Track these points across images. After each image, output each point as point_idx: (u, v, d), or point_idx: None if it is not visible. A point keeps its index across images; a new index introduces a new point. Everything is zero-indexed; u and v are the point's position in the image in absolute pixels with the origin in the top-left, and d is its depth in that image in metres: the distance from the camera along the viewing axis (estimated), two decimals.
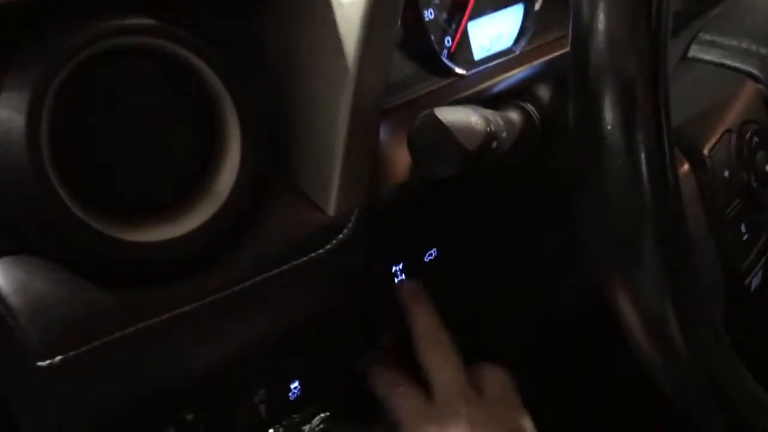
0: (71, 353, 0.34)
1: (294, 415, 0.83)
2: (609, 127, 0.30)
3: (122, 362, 0.36)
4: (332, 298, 0.44)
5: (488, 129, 0.39)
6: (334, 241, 0.42)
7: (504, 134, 0.41)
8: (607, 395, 0.67)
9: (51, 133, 0.34)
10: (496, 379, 0.46)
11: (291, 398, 0.45)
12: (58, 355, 0.34)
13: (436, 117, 0.39)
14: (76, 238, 0.35)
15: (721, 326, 0.32)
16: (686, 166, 0.43)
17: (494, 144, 0.40)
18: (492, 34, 0.55)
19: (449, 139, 0.38)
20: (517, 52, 0.56)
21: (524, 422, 0.44)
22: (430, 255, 0.52)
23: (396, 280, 0.50)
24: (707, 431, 0.34)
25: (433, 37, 0.50)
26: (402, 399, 0.45)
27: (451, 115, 0.39)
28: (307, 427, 0.80)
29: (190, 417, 0.40)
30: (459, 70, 0.54)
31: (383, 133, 0.46)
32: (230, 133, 0.38)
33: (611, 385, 0.66)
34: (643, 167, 0.29)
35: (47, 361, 0.34)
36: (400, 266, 0.50)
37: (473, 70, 0.54)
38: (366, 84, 0.39)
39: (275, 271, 0.40)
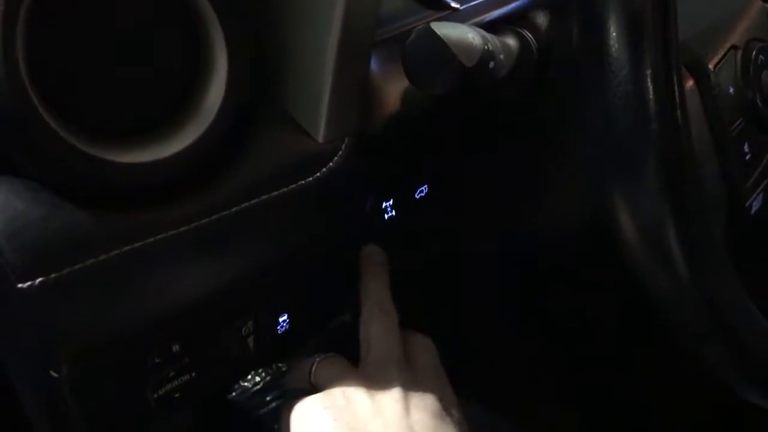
0: (52, 275, 0.33)
1: (279, 365, 0.83)
2: (614, 40, 0.29)
3: (105, 287, 0.35)
4: (320, 229, 0.43)
5: (486, 47, 0.38)
6: (324, 170, 0.41)
7: (501, 56, 0.40)
8: (593, 340, 0.67)
9: (28, 50, 0.32)
10: (425, 349, 0.46)
11: (279, 332, 0.45)
12: (39, 276, 0.33)
13: (433, 31, 0.37)
14: (56, 158, 0.33)
15: (722, 246, 0.31)
16: (691, 82, 0.42)
17: (491, 64, 0.38)
18: None
19: (447, 53, 0.37)
20: None
21: (449, 390, 0.44)
22: (421, 192, 0.51)
23: (386, 216, 0.49)
24: (702, 351, 0.34)
25: None
26: (331, 363, 0.44)
27: (448, 29, 0.37)
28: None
29: (175, 347, 0.39)
30: (453, 3, 0.52)
31: (375, 65, 0.45)
32: (217, 51, 0.37)
33: (599, 331, 0.66)
34: (648, 81, 0.28)
35: (27, 283, 0.32)
36: (391, 202, 0.49)
37: (468, 4, 0.52)
38: (356, 7, 0.38)
39: (263, 198, 0.39)
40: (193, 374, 0.40)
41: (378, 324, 0.45)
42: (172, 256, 0.36)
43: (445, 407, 0.42)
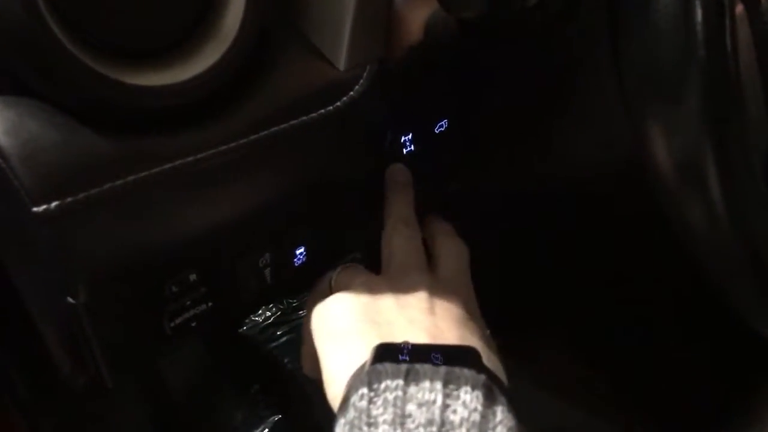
0: (68, 200, 0.32)
1: (289, 300, 0.84)
2: None
3: (121, 213, 0.34)
4: (339, 160, 0.42)
5: None
6: (345, 98, 0.39)
7: None
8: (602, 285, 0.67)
9: None
10: (454, 253, 0.45)
11: (296, 264, 0.44)
12: (55, 200, 0.32)
13: None
14: (70, 78, 0.32)
15: (762, 178, 0.30)
16: (740, 7, 0.40)
17: None
18: None
19: None
20: None
21: (473, 297, 0.43)
22: (441, 126, 0.50)
23: (405, 150, 0.48)
24: (731, 288, 0.33)
25: None
26: (352, 270, 0.43)
27: None
28: (303, 312, 0.80)
29: (192, 276, 0.39)
30: None
31: None
32: None
33: (627, 275, 0.65)
34: (698, 3, 0.27)
35: (43, 207, 0.32)
36: (410, 136, 0.48)
37: None
38: None
39: (282, 126, 0.38)
40: (210, 304, 0.40)
41: (400, 236, 0.44)
42: (188, 183, 0.35)
43: (469, 312, 0.41)
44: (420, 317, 0.38)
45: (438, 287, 0.41)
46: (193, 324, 0.40)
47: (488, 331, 0.42)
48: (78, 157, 0.33)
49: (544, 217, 0.57)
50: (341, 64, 0.39)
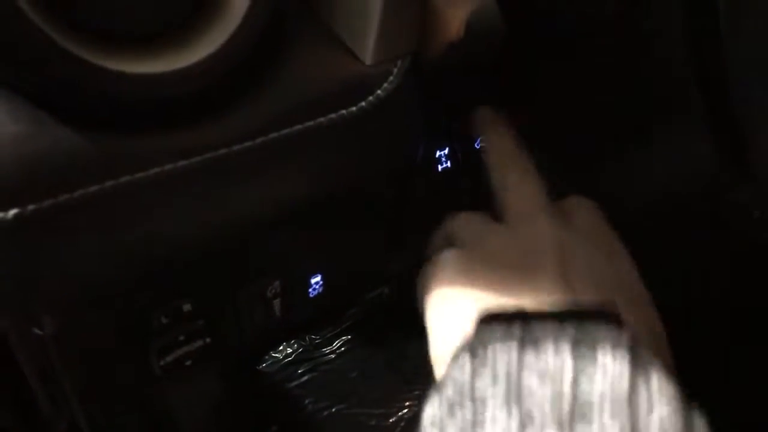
0: (30, 207, 0.26)
1: (312, 336, 0.77)
2: None
3: (96, 224, 0.28)
4: (363, 171, 0.35)
5: None
6: (371, 98, 0.33)
7: None
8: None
9: None
10: (584, 208, 0.36)
11: (311, 295, 0.38)
12: (12, 208, 0.26)
13: None
14: (41, 63, 0.27)
15: None
16: None
17: None
18: None
19: None
20: None
21: (621, 248, 0.35)
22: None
23: (439, 167, 0.42)
24: None
25: None
26: (468, 217, 0.36)
27: None
28: (327, 350, 0.74)
29: (186, 306, 0.33)
30: None
31: None
32: None
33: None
34: None
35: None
36: (446, 151, 0.42)
37: None
38: None
39: (296, 128, 0.32)
40: (207, 340, 0.34)
41: (513, 170, 0.36)
42: (180, 192, 0.29)
43: (620, 279, 0.33)
44: (548, 277, 0.31)
45: (573, 239, 0.33)
46: (188, 363, 0.34)
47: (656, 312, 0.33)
48: (44, 156, 0.27)
49: None
50: (368, 57, 0.33)
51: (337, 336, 0.71)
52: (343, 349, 0.71)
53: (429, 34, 0.37)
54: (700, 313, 0.46)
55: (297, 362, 0.75)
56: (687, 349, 0.32)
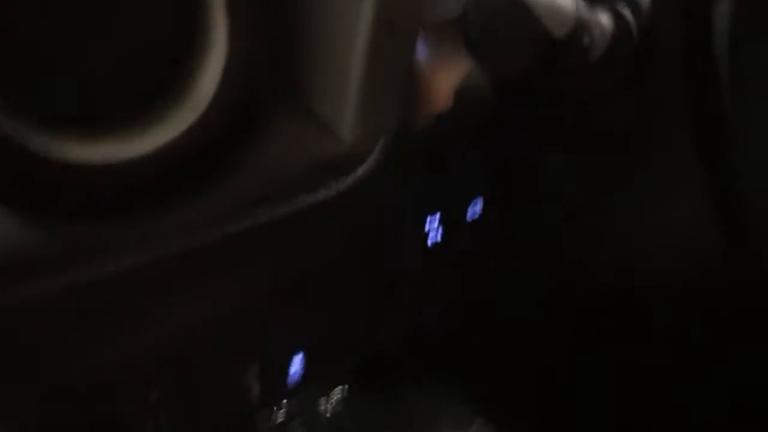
0: None
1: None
2: None
3: (50, 318, 0.26)
4: (344, 252, 0.34)
5: (578, 15, 0.28)
6: (349, 178, 0.32)
7: (597, 32, 0.30)
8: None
9: None
10: None
11: (291, 379, 0.36)
12: None
13: None
14: None
15: None
16: None
17: (586, 39, 0.28)
18: None
19: (527, 15, 0.27)
20: None
21: None
22: (475, 209, 0.42)
23: (429, 242, 0.40)
24: None
25: None
26: None
27: None
28: (323, 400, 0.71)
29: (154, 395, 0.31)
30: None
31: (426, 49, 0.36)
32: (214, 19, 0.28)
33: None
34: None
35: None
36: (437, 222, 0.40)
37: None
38: None
39: (270, 213, 0.30)
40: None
41: None
42: (144, 282, 0.28)
43: None
44: None
45: None
46: None
47: None
48: None
49: (599, 313, 0.48)
50: (346, 135, 0.32)
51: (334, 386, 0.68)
52: (342, 399, 0.68)
53: (416, 106, 0.35)
54: None
55: (291, 418, 0.72)
56: None
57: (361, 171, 0.32)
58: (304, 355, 0.37)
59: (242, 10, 0.28)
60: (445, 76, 0.37)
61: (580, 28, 0.27)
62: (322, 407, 0.70)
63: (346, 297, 0.37)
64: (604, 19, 0.34)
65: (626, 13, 0.35)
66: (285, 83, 0.33)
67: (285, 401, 0.71)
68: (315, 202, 0.31)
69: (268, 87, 0.32)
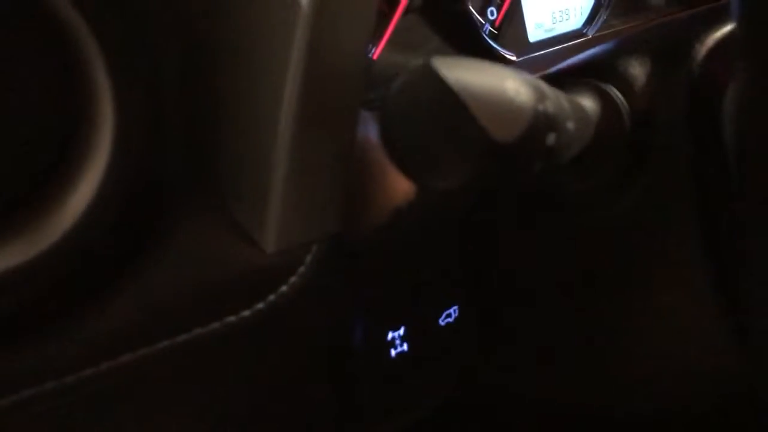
0: None
1: None
2: None
3: None
4: (277, 380, 0.28)
5: (540, 108, 0.21)
6: (273, 296, 0.26)
7: (570, 125, 0.24)
8: None
9: None
10: None
11: None
12: None
13: (437, 74, 0.21)
14: None
15: None
16: None
17: (550, 138, 0.22)
18: (555, 9, 0.40)
19: (460, 115, 0.20)
20: (589, 36, 0.41)
21: None
22: (449, 315, 0.36)
23: (393, 352, 0.34)
24: None
25: (470, 5, 0.35)
26: None
27: (466, 71, 0.21)
28: None
29: None
30: (506, 54, 0.38)
31: (372, 136, 0.31)
32: (100, 110, 0.23)
33: None
34: None
35: None
36: (401, 332, 0.34)
37: (526, 56, 0.39)
38: (327, 48, 0.24)
39: (173, 340, 0.25)
40: None
41: None
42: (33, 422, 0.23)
43: None
44: None
45: None
46: None
47: None
48: None
49: None
50: (268, 244, 0.26)
51: None
52: None
53: (364, 201, 0.30)
54: None
55: None
56: None
57: (286, 287, 0.26)
58: None
59: (130, 105, 0.23)
60: (385, 184, 0.32)
61: (539, 123, 0.22)
62: None
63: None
64: (588, 102, 0.29)
65: (616, 94, 0.30)
66: (203, 186, 0.27)
67: None
68: (234, 324, 0.26)
69: (180, 181, 0.27)
